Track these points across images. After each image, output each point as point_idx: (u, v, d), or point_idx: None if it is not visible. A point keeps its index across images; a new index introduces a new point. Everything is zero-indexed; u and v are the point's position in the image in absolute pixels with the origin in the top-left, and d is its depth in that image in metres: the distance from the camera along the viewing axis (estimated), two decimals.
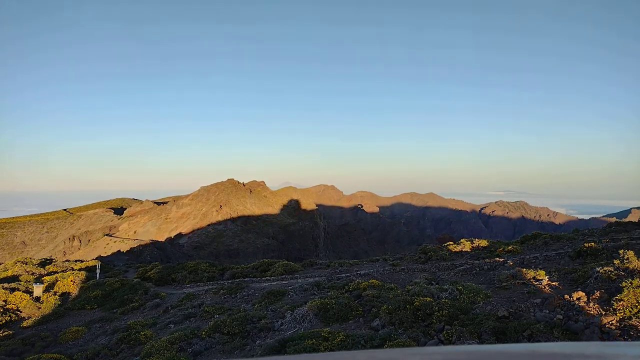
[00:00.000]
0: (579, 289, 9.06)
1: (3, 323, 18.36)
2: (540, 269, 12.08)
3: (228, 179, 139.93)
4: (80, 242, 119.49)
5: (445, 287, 11.15)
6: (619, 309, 7.33)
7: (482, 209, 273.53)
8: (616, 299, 7.63)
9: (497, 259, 15.35)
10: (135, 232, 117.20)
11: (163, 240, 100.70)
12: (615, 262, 9.26)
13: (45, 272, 29.55)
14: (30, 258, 38.07)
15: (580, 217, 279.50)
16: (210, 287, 19.08)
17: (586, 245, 13.13)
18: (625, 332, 6.90)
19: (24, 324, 17.91)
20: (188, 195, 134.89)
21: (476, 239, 20.41)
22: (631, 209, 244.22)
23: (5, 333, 16.66)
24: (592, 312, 7.57)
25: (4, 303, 19.58)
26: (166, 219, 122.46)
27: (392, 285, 13.14)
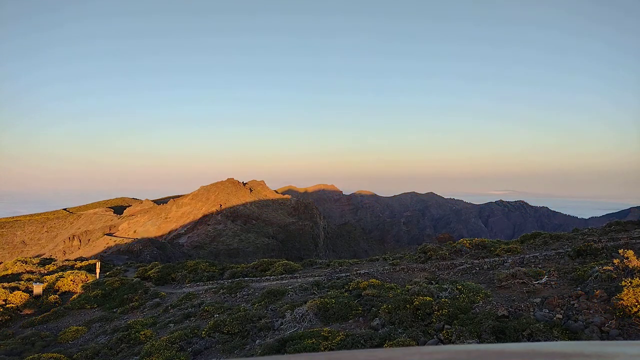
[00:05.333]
0: (579, 288, 9.07)
1: (3, 322, 18.37)
2: (540, 268, 12.09)
3: (228, 179, 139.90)
4: (80, 241, 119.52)
5: (445, 286, 11.16)
6: (619, 308, 7.33)
7: (482, 208, 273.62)
8: (616, 298, 7.63)
9: (497, 258, 15.36)
10: (135, 232, 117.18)
11: (163, 239, 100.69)
12: (615, 261, 9.26)
13: (45, 272, 29.56)
14: (30, 257, 38.08)
15: (579, 216, 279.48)
16: (210, 286, 19.08)
17: (586, 244, 13.14)
18: (625, 331, 6.91)
19: (24, 323, 17.92)
20: (188, 195, 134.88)
21: (476, 238, 20.43)
22: (631, 208, 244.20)
23: (5, 332, 16.66)
24: (591, 312, 7.58)
25: (4, 302, 19.58)
26: (166, 218, 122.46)
27: (392, 284, 13.15)
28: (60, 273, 24.55)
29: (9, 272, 29.63)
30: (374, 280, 13.52)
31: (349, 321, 10.40)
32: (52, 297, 20.86)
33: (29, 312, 19.64)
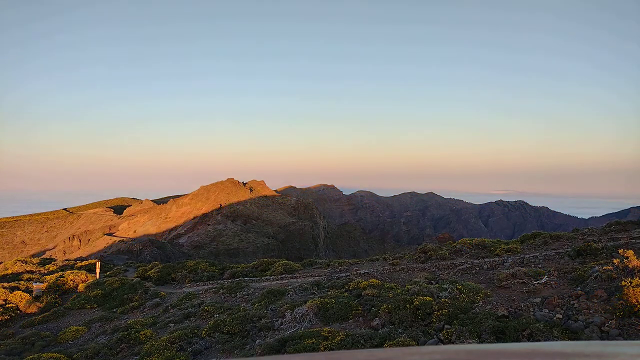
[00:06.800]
0: (579, 288, 9.07)
1: (3, 322, 18.37)
2: (540, 268, 12.09)
3: (228, 179, 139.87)
4: (80, 241, 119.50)
5: (445, 286, 11.15)
6: (619, 308, 7.34)
7: (482, 208, 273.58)
8: (616, 298, 7.64)
9: (497, 258, 15.35)
10: (135, 232, 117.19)
11: (163, 239, 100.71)
12: (615, 261, 9.26)
13: (46, 271, 29.57)
14: (30, 257, 38.09)
15: (579, 216, 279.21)
16: (210, 286, 19.08)
17: (586, 244, 13.14)
18: (625, 331, 6.91)
19: (24, 323, 17.91)
20: (188, 195, 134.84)
21: (476, 238, 20.43)
22: (631, 208, 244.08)
23: (5, 332, 16.66)
24: (591, 312, 7.58)
25: (4, 302, 19.58)
26: (166, 218, 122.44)
27: (392, 284, 13.15)
28: (60, 273, 24.55)
29: (9, 272, 29.63)
30: (374, 280, 13.51)
31: (349, 321, 10.40)
32: (52, 297, 20.86)
33: (29, 312, 19.64)
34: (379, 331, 8.89)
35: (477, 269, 13.90)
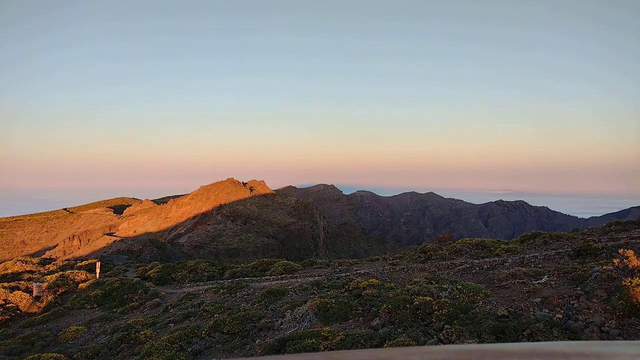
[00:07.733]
0: (579, 288, 9.07)
1: (3, 322, 18.38)
2: (540, 268, 12.09)
3: (228, 178, 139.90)
4: (80, 241, 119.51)
5: (445, 286, 11.15)
6: (619, 308, 7.34)
7: (482, 208, 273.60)
8: (616, 298, 7.64)
9: (497, 258, 15.35)
10: (135, 232, 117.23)
11: (163, 239, 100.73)
12: (615, 261, 9.27)
13: (46, 271, 29.57)
14: (30, 257, 38.11)
15: (579, 216, 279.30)
16: (210, 286, 19.08)
17: (586, 244, 13.14)
18: (625, 331, 6.91)
19: (24, 322, 17.92)
20: (188, 195, 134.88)
21: (476, 238, 20.42)
22: (630, 208, 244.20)
23: (6, 332, 16.67)
24: (591, 312, 7.58)
25: (4, 302, 19.59)
26: (166, 218, 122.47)
27: (392, 284, 13.15)
28: (60, 273, 24.55)
29: (9, 272, 29.64)
30: (374, 280, 13.51)
31: (349, 321, 10.40)
32: (52, 297, 20.86)
33: (29, 312, 19.64)
34: (379, 331, 8.89)
35: (477, 268, 13.89)
